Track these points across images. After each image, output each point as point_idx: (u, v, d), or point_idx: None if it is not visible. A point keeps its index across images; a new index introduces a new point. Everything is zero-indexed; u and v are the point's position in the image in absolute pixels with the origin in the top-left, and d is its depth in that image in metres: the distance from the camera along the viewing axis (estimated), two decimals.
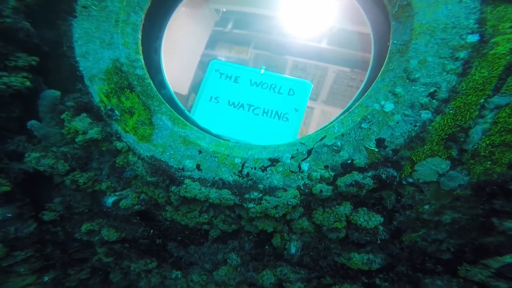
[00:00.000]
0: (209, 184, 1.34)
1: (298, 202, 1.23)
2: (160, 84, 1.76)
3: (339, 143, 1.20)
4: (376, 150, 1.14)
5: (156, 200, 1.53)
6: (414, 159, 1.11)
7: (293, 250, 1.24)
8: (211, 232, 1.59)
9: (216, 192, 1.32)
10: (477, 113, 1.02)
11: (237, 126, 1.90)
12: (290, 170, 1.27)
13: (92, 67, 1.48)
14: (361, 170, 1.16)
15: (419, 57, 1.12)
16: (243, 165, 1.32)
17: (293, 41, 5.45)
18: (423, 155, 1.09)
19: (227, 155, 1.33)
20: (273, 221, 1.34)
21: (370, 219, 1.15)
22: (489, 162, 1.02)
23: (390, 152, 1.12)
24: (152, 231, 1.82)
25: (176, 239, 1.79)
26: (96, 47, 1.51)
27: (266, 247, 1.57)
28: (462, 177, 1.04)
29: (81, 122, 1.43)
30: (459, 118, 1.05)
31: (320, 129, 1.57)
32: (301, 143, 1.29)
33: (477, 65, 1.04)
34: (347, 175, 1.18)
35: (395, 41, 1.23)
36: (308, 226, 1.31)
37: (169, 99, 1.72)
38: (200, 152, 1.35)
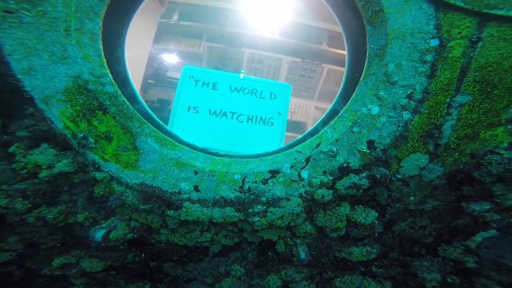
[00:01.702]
0: (210, 204, 1.28)
1: (302, 209, 1.27)
2: (131, 98, 1.57)
3: (334, 149, 1.26)
4: (368, 151, 1.23)
5: (149, 226, 1.41)
6: (399, 156, 1.24)
7: (303, 256, 1.29)
8: (212, 248, 1.54)
9: (219, 211, 1.27)
10: (445, 111, 1.18)
11: (221, 136, 1.83)
12: (291, 180, 1.29)
13: (44, 86, 1.24)
14: (356, 172, 1.25)
15: (395, 61, 1.23)
16: (243, 181, 1.29)
17: (248, 33, 5.40)
18: (407, 152, 1.23)
19: (226, 173, 1.28)
20: (277, 230, 1.36)
21: (367, 216, 1.26)
22: (457, 154, 1.21)
23: (380, 152, 1.23)
24: (143, 255, 1.68)
25: (173, 259, 1.70)
26: (44, 62, 1.25)
27: (269, 253, 1.59)
28: (438, 169, 1.20)
29: (43, 155, 1.20)
30: (433, 117, 1.20)
31: (309, 133, 1.63)
32: (298, 152, 1.32)
33: (441, 68, 1.18)
34: (344, 178, 1.26)
35: (372, 46, 1.31)
36: (311, 229, 1.37)
37: (145, 115, 1.55)
38: (196, 172, 1.27)
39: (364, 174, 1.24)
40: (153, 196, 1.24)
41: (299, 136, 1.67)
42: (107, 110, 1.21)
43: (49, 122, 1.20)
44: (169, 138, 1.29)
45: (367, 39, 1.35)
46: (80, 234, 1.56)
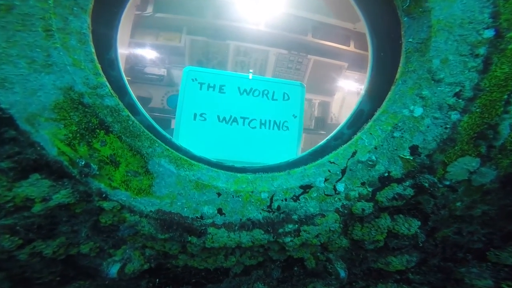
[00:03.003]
0: (236, 227, 1.13)
1: (341, 225, 1.15)
2: (131, 109, 1.36)
3: (373, 157, 1.12)
4: (411, 158, 1.10)
5: (166, 252, 1.26)
6: (446, 161, 1.12)
7: (343, 274, 1.18)
8: (234, 269, 1.42)
9: (247, 234, 1.13)
10: (502, 109, 1.05)
11: (233, 145, 1.64)
12: (325, 194, 1.15)
13: (26, 102, 1.01)
14: (399, 181, 1.12)
15: (440, 56, 1.08)
16: (271, 199, 1.14)
17: (232, 25, 5.11)
18: (454, 156, 1.11)
19: (251, 192, 1.13)
20: (310, 247, 1.24)
21: (410, 226, 1.15)
22: None
23: (425, 158, 1.10)
24: (158, 280, 1.54)
25: (190, 282, 1.56)
26: (22, 72, 1.02)
27: (295, 268, 1.49)
28: (491, 172, 1.10)
29: (34, 188, 1.00)
30: (486, 116, 1.07)
31: (333, 138, 1.48)
32: (331, 162, 1.17)
33: (497, 61, 1.05)
34: (386, 188, 1.13)
35: (410, 39, 1.15)
36: (346, 243, 1.26)
37: (149, 128, 1.35)
38: (219, 194, 1.11)
39: (407, 183, 1.11)
40: (173, 223, 1.08)
41: (322, 142, 1.53)
42: (110, 129, 1.01)
43: (38, 148, 0.99)
44: (184, 157, 1.11)
45: (403, 32, 1.19)
46: (85, 265, 1.39)
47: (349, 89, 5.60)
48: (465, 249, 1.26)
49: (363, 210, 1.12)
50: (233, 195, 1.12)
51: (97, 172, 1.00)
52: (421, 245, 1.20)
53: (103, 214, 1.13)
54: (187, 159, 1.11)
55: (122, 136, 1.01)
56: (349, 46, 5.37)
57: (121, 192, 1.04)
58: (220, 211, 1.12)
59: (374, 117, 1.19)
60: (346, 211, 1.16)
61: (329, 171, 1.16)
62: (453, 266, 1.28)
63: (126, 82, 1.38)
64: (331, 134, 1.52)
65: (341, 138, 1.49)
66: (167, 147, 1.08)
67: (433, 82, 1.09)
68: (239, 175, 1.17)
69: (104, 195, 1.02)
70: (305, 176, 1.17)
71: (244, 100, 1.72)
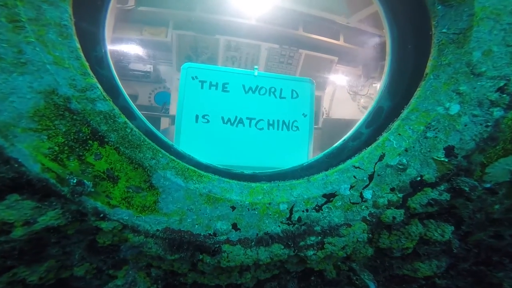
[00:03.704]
0: (253, 243, 1.01)
1: (369, 235, 1.04)
2: (125, 113, 1.19)
3: (404, 160, 1.01)
4: (446, 160, 0.99)
5: (175, 271, 1.13)
6: (485, 162, 1.01)
7: (372, 286, 1.08)
8: (247, 284, 1.31)
9: (265, 250, 1.01)
10: None
11: (240, 148, 1.50)
12: (351, 202, 1.04)
13: None
14: (432, 185, 1.01)
15: (482, 47, 0.95)
16: (291, 210, 1.02)
17: (222, 19, 4.91)
18: (495, 156, 1.00)
19: (269, 203, 1.00)
20: (333, 259, 1.14)
21: (444, 232, 1.06)
22: None
23: (462, 159, 0.99)
24: None
25: None
26: None
27: (312, 278, 1.39)
28: None
29: (13, 210, 0.84)
30: None
31: (350, 138, 1.36)
32: (356, 167, 1.05)
33: None
34: (418, 193, 1.02)
35: (444, 30, 1.02)
36: (371, 252, 1.16)
37: (147, 134, 1.20)
38: (233, 208, 0.97)
39: (442, 187, 1.01)
40: (183, 242, 0.95)
41: (338, 143, 1.40)
42: (106, 139, 0.85)
43: (16, 165, 0.82)
44: (192, 168, 0.96)
45: (434, 22, 1.05)
46: (79, 286, 1.25)
47: (339, 83, 5.60)
48: (502, 253, 1.19)
49: (394, 218, 1.01)
50: (248, 208, 0.99)
51: (92, 189, 0.85)
52: (455, 251, 1.12)
53: (100, 234, 0.99)
54: (196, 169, 0.97)
55: (120, 147, 0.86)
56: (338, 40, 5.45)
57: (122, 210, 0.89)
58: (235, 226, 0.99)
59: (402, 115, 1.07)
60: (374, 220, 1.05)
61: (354, 177, 1.04)
62: (486, 270, 1.21)
63: (119, 82, 1.21)
64: (348, 134, 1.39)
65: (360, 139, 1.37)
66: (172, 157, 0.94)
67: (472, 76, 0.96)
68: (253, 185, 1.04)
69: (101, 215, 0.88)
70: (327, 184, 1.05)
71: (250, 99, 1.56)
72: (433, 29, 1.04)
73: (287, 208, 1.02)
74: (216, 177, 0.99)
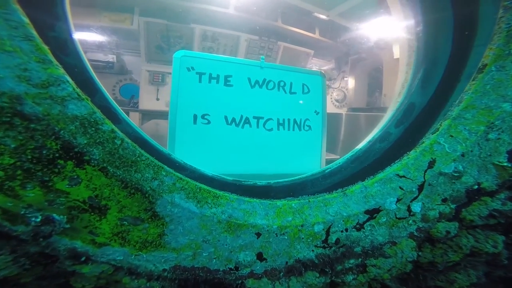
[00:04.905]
0: (282, 274, 0.83)
1: (418, 253, 0.89)
2: (106, 116, 0.93)
3: (460, 167, 0.84)
4: (510, 165, 0.84)
5: None
6: None
7: None
8: None
9: (297, 281, 0.83)
10: None
11: (247, 153, 1.27)
12: (396, 217, 0.87)
13: None
14: (492, 194, 0.86)
15: None
16: (327, 232, 0.84)
17: (196, 6, 4.59)
18: None
19: (301, 226, 0.81)
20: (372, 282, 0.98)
21: (496, 243, 0.92)
22: None
23: None
24: None
25: None
26: None
27: None
28: None
29: None
30: None
31: (378, 139, 1.18)
32: (401, 176, 0.88)
33: None
34: (474, 203, 0.87)
35: None
36: (409, 268, 1.02)
37: (136, 141, 0.95)
38: (258, 235, 0.78)
39: (502, 196, 0.86)
40: (198, 282, 0.74)
41: (362, 144, 1.22)
42: (85, 157, 0.61)
43: None
44: (205, 187, 0.74)
45: (507, 2, 0.86)
46: None
47: None
48: None
49: (448, 232, 0.86)
50: (276, 233, 0.80)
51: (67, 226, 0.62)
52: (506, 262, 1.00)
53: (76, 278, 0.76)
54: (210, 189, 0.75)
55: (108, 166, 0.62)
56: (314, 33, 5.44)
57: (114, 249, 0.67)
58: (260, 256, 0.80)
59: (453, 114, 0.89)
60: (422, 235, 0.89)
61: (401, 188, 0.87)
62: None
63: (93, 74, 0.94)
64: (374, 134, 1.21)
65: (388, 139, 1.19)
66: (179, 175, 0.71)
67: None
68: (279, 203, 0.84)
69: (83, 258, 0.65)
70: (368, 197, 0.87)
71: (257, 95, 1.33)
72: (501, 11, 0.86)
73: (323, 229, 0.84)
74: (235, 197, 0.79)
